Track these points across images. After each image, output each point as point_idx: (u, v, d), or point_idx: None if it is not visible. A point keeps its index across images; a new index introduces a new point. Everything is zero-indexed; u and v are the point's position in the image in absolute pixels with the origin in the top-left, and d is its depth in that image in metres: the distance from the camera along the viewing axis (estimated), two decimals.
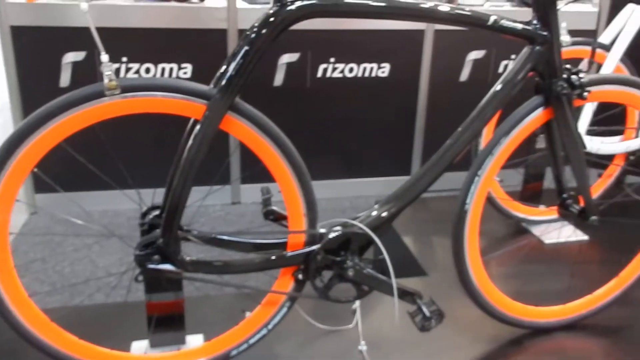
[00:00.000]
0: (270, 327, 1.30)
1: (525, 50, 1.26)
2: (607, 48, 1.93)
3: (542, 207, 2.07)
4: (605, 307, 1.55)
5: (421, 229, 2.10)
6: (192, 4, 2.32)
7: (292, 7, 1.07)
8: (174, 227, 1.13)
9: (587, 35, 2.04)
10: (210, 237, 1.24)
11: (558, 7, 1.24)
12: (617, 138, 2.06)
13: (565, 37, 1.83)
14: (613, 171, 2.10)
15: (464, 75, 2.93)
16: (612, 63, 1.89)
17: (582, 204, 1.41)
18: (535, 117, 1.29)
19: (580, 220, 1.43)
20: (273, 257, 1.25)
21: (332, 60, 2.65)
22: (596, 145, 2.01)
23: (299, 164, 1.18)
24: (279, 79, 2.55)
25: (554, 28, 1.23)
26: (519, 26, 1.22)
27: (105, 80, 1.03)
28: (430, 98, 2.89)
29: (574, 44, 1.89)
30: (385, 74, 2.85)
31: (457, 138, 1.27)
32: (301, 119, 2.63)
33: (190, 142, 1.10)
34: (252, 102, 1.17)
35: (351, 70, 2.78)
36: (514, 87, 1.25)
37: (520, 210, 2.04)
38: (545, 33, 1.23)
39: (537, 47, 1.24)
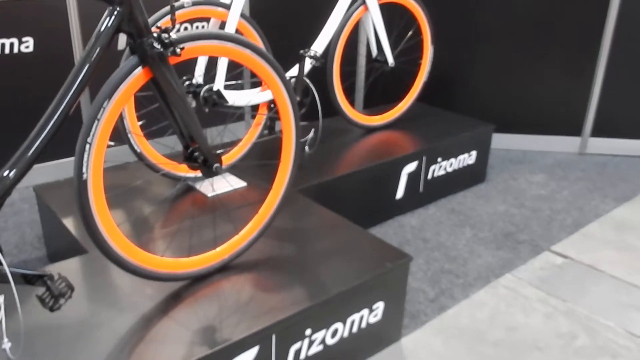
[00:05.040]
0: None
1: (106, 12, 1.25)
2: (228, 7, 2.07)
3: None
4: (252, 243, 1.71)
5: None
6: None
7: None
8: None
9: None
10: None
11: None
12: (258, 89, 2.25)
13: None
14: (261, 120, 2.29)
15: (121, 43, 2.86)
16: (233, 21, 2.04)
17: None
18: (135, 77, 1.32)
19: (206, 169, 1.53)
20: None
21: None
22: (241, 98, 2.17)
23: None
24: None
25: None
26: None
27: None
28: None
29: (195, 4, 1.99)
30: (30, 49, 2.62)
31: (50, 115, 1.21)
32: None
33: None
34: None
35: None
36: (101, 50, 1.25)
37: (182, 170, 2.10)
38: None
39: (117, 8, 1.25)
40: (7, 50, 2.51)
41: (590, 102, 3.26)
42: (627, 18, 3.06)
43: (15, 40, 2.51)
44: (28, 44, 2.55)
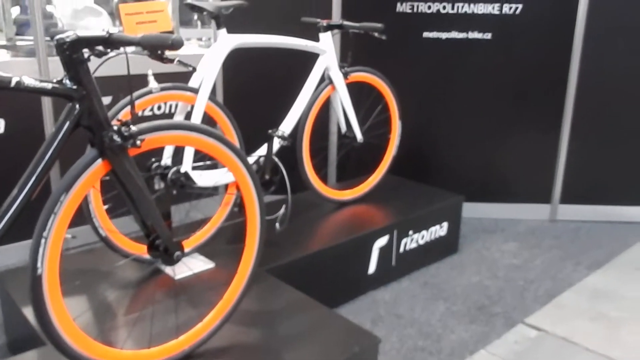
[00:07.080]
0: None
1: (66, 107, 1.28)
2: (196, 91, 2.11)
3: None
4: (216, 330, 1.67)
5: None
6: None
7: None
8: None
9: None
10: None
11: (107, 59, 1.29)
12: (225, 169, 2.27)
13: (153, 84, 1.94)
14: (229, 199, 2.29)
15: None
16: (201, 104, 2.07)
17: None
18: (94, 170, 1.32)
19: (167, 257, 1.52)
20: None
21: None
22: (210, 178, 2.18)
23: None
24: None
25: (89, 84, 1.28)
26: (49, 86, 1.23)
27: None
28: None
29: (164, 89, 2.03)
30: (1, 130, 2.64)
31: (10, 203, 1.21)
32: None
33: None
34: None
35: None
36: (58, 145, 1.26)
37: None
38: (80, 90, 1.27)
39: (76, 104, 1.27)
40: None
41: (557, 170, 3.34)
42: (587, 87, 3.18)
43: None
44: None
